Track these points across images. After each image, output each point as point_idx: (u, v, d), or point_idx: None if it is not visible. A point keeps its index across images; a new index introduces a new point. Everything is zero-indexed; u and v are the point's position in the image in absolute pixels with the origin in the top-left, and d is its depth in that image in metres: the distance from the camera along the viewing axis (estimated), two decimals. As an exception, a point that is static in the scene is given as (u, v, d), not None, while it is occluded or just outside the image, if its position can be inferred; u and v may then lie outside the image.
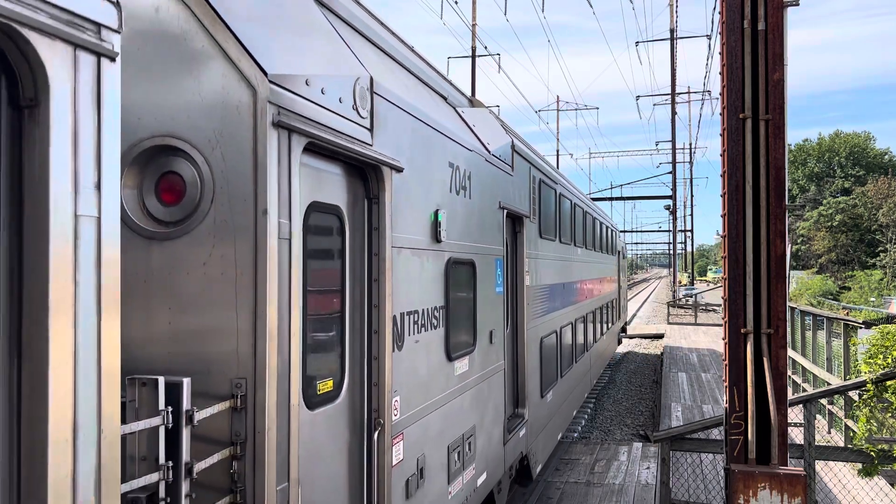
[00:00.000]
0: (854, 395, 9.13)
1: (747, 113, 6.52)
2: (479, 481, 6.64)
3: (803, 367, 16.18)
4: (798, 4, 6.57)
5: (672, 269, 57.79)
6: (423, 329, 5.27)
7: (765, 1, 6.48)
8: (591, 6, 41.14)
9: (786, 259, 6.44)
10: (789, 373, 16.29)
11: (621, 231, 30.99)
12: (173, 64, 3.33)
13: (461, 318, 6.22)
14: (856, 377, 9.60)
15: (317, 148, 3.78)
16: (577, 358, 13.18)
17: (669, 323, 37.86)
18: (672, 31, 53.06)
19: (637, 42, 59.78)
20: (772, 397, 6.22)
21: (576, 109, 68.57)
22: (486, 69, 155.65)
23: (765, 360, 6.29)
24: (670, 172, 55.33)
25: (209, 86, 3.32)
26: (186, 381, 2.95)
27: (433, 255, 5.50)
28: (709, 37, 43.27)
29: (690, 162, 63.80)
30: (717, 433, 8.50)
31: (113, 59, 2.34)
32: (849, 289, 56.81)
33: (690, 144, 69.08)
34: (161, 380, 2.89)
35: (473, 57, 32.71)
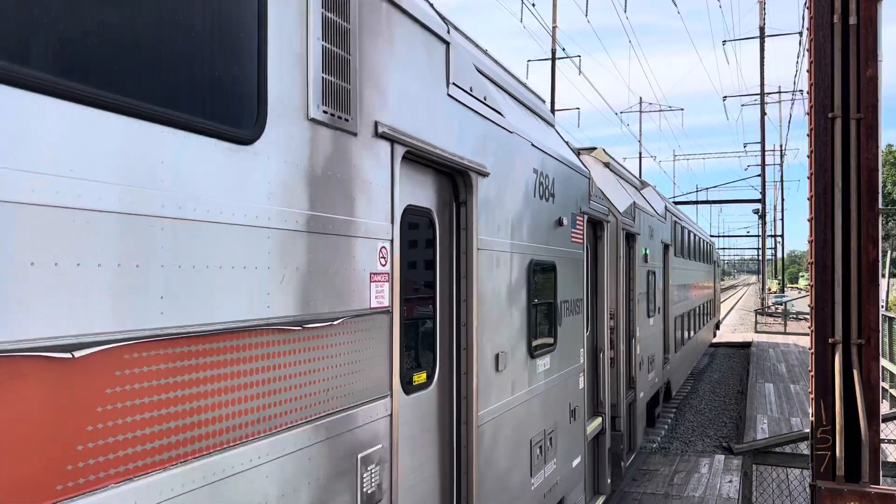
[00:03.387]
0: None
1: (837, 112, 6.21)
2: (656, 380, 13.50)
3: (902, 381, 15.24)
4: (893, -3, 6.21)
5: (761, 276, 55.56)
6: (639, 303, 11.33)
7: (856, -6, 6.15)
8: (675, 5, 40.17)
9: (878, 266, 6.09)
10: (887, 386, 15.38)
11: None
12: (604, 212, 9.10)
13: (650, 299, 12.69)
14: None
15: (626, 233, 10.29)
16: (690, 335, 19.61)
17: (757, 332, 36.43)
18: (761, 28, 51.20)
19: (724, 41, 57.97)
20: (862, 412, 5.89)
21: (659, 111, 67.06)
22: (566, 72, 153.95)
23: (854, 371, 5.97)
24: (759, 175, 53.34)
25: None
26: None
27: (644, 270, 11.98)
28: (800, 34, 41.48)
29: (781, 164, 61.26)
30: (804, 447, 8.11)
31: (606, 223, 8.97)
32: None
33: (781, 146, 66.29)
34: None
35: (553, 60, 32.46)
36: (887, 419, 7.79)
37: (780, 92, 58.21)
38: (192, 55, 2.36)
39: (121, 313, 2.09)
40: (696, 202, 57.95)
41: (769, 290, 59.75)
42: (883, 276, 30.33)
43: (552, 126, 7.09)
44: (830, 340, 6.13)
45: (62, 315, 1.92)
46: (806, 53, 6.53)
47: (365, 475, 3.28)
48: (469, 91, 4.55)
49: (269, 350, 2.70)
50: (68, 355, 1.93)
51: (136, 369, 2.15)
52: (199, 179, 2.34)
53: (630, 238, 10.82)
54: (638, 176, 16.80)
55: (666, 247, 14.88)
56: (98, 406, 2.02)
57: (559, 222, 6.47)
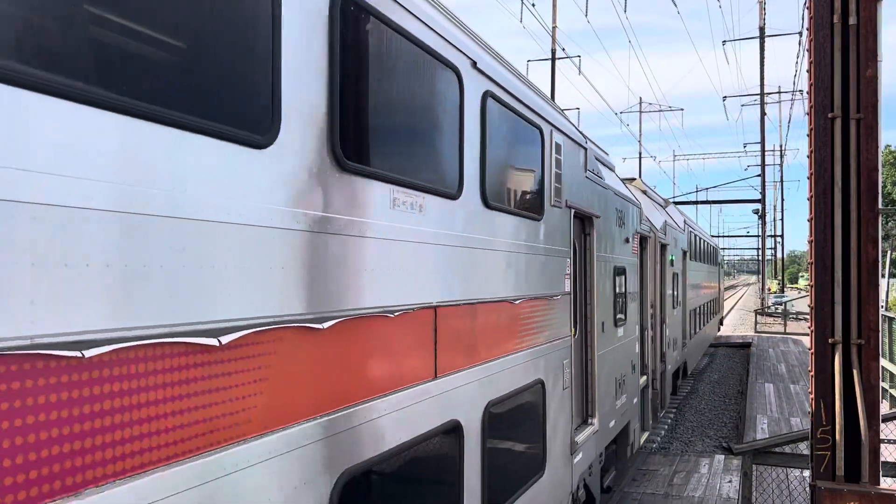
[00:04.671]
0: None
1: (836, 112, 6.21)
2: (677, 358, 17.47)
3: (902, 381, 15.23)
4: (893, -3, 6.21)
5: (761, 276, 55.51)
6: (667, 297, 15.11)
7: (856, -6, 6.15)
8: (675, 5, 40.19)
9: (878, 266, 6.09)
10: (886, 386, 15.38)
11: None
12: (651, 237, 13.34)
13: (674, 295, 16.30)
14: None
15: (661, 244, 14.37)
16: (701, 326, 23.69)
17: (757, 332, 36.42)
18: (761, 28, 51.23)
19: (724, 41, 58.16)
20: (862, 412, 5.89)
21: (659, 111, 66.98)
22: (566, 72, 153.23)
23: (854, 372, 5.96)
24: (759, 175, 53.36)
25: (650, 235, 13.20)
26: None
27: (671, 272, 15.89)
28: (800, 34, 41.46)
29: (781, 164, 61.28)
30: (804, 447, 8.11)
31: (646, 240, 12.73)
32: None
33: (781, 146, 66.32)
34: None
35: (553, 60, 32.43)
36: (887, 419, 7.78)
37: (780, 92, 58.26)
38: (520, 183, 5.86)
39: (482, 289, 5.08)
40: (696, 202, 57.98)
41: (769, 290, 59.76)
42: (883, 276, 30.27)
43: (613, 170, 9.97)
44: (830, 340, 6.13)
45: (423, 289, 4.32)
46: (806, 53, 6.53)
47: (565, 372, 6.77)
48: (592, 171, 8.02)
49: (542, 308, 6.08)
50: (472, 307, 4.75)
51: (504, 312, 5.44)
52: (525, 234, 5.70)
53: (663, 248, 14.50)
54: (638, 176, 19.99)
55: (684, 253, 18.97)
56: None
57: (626, 240, 9.80)
